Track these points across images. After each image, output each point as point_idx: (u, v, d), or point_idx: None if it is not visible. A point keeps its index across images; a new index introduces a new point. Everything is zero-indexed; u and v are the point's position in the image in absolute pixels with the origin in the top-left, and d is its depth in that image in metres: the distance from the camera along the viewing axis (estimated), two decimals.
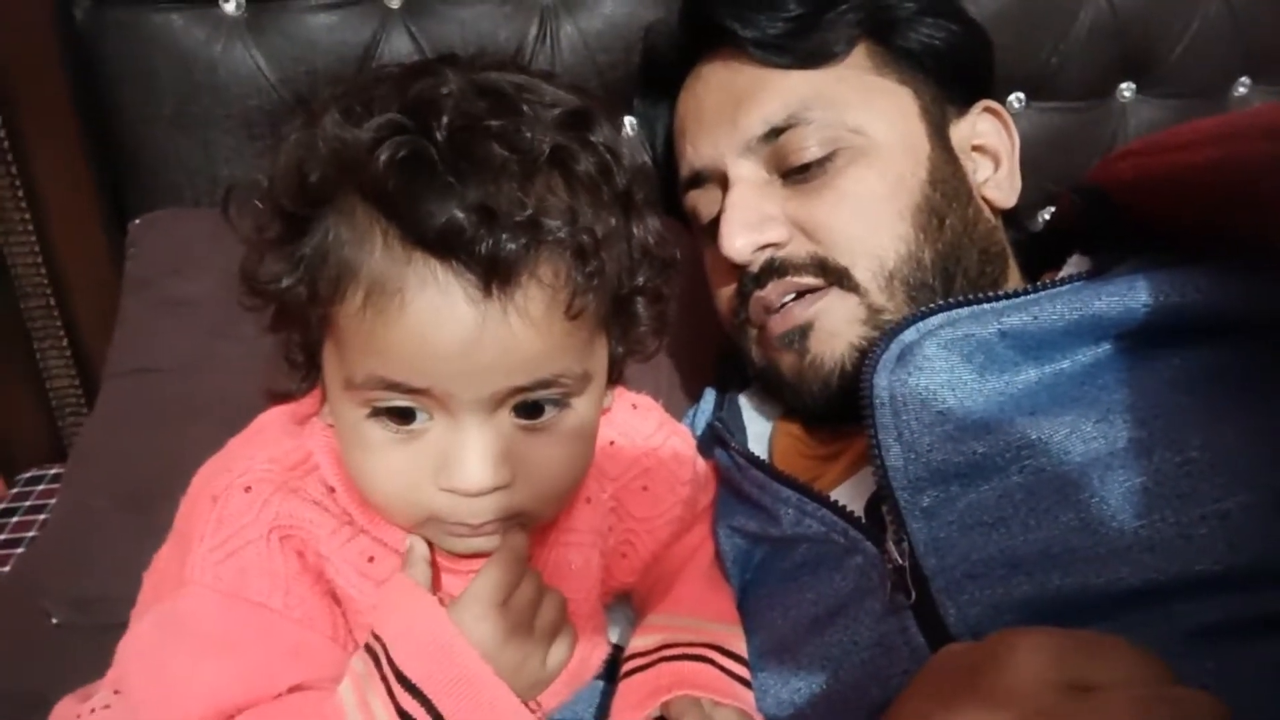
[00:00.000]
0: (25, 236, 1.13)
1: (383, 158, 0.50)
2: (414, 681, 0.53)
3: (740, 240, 0.77)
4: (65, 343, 1.18)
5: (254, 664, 0.55)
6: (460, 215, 0.50)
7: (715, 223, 0.80)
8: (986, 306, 0.69)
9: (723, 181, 0.81)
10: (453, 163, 0.51)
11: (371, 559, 0.59)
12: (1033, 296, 0.68)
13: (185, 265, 1.03)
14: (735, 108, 0.80)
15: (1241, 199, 0.60)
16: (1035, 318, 0.66)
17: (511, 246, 0.51)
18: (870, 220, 0.76)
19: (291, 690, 0.55)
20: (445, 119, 0.52)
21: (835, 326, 0.76)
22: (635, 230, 0.61)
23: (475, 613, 0.55)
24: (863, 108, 0.78)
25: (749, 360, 0.84)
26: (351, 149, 0.52)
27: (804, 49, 0.79)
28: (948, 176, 0.79)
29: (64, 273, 1.16)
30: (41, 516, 1.10)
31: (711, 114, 0.82)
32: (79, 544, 0.90)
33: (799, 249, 0.77)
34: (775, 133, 0.78)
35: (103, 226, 1.13)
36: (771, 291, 0.77)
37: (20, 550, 1.04)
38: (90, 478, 0.96)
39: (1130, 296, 0.63)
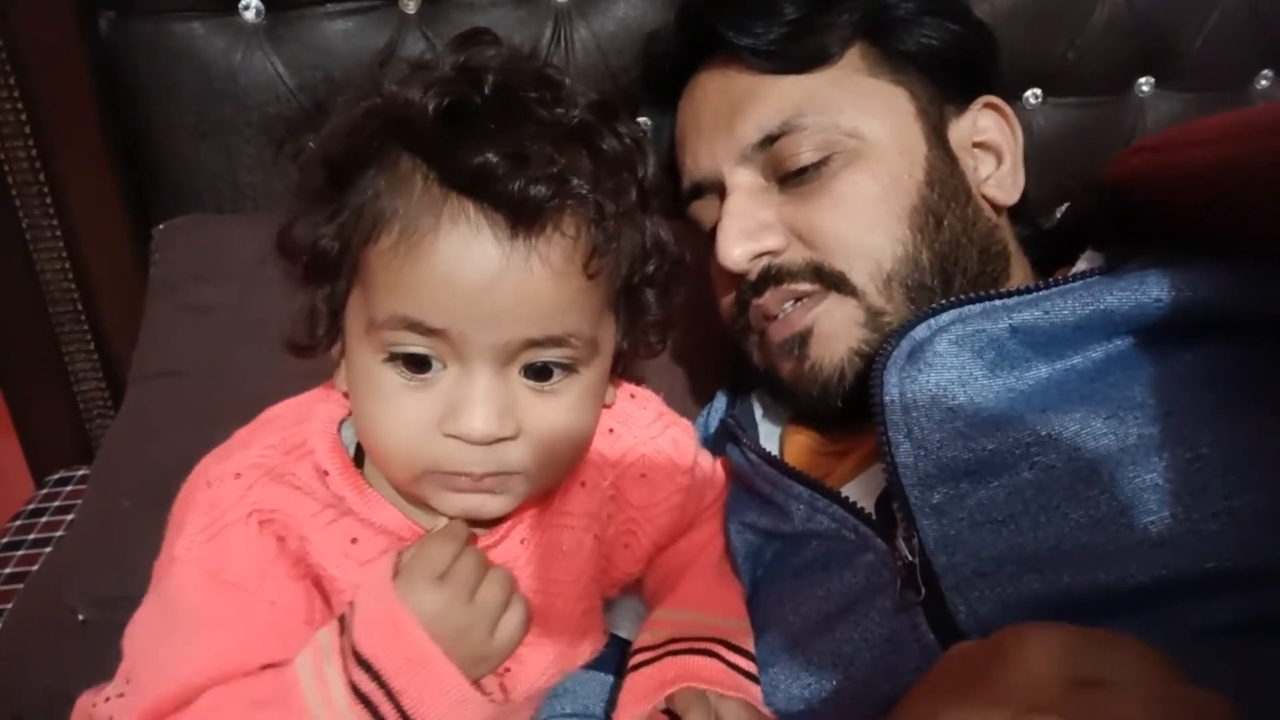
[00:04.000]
0: (53, 243, 1.14)
1: (430, 105, 0.56)
2: (366, 657, 0.55)
3: (737, 250, 0.77)
4: (92, 347, 1.20)
5: (228, 642, 0.57)
6: (494, 159, 0.54)
7: (715, 231, 0.80)
8: (998, 303, 0.68)
9: (722, 191, 0.81)
10: (493, 115, 0.57)
11: (354, 540, 0.61)
12: (1044, 293, 0.68)
13: (207, 270, 1.05)
14: (731, 116, 0.79)
15: (1251, 195, 0.60)
16: (1046, 314, 0.65)
17: (540, 190, 0.55)
18: (865, 223, 0.76)
19: (263, 669, 0.57)
20: (491, 78, 0.57)
21: (834, 329, 0.76)
22: (649, 222, 0.65)
23: (411, 585, 0.57)
24: (857, 110, 0.77)
25: (752, 365, 0.85)
26: (403, 103, 0.57)
27: (798, 54, 0.78)
28: (945, 176, 0.79)
29: (91, 278, 1.18)
30: (69, 517, 1.12)
31: (708, 124, 0.82)
32: (105, 544, 0.92)
33: (795, 255, 0.77)
34: (770, 140, 0.77)
35: (128, 233, 1.15)
36: (770, 299, 0.77)
37: (48, 549, 1.06)
38: (116, 479, 0.98)
39: (1142, 292, 0.63)
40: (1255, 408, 0.59)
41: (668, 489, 0.74)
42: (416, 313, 0.56)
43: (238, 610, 0.58)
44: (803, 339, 0.77)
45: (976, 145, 0.83)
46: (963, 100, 0.83)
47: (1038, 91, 1.24)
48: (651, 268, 0.65)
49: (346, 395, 0.66)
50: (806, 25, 0.78)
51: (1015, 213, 0.85)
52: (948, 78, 0.82)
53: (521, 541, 0.67)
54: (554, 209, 0.56)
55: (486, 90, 0.57)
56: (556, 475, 0.66)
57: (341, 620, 0.57)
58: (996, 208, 0.82)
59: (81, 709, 0.67)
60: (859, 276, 0.75)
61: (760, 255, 0.77)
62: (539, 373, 0.60)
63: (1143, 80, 1.27)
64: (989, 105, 0.84)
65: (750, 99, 0.79)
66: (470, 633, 0.57)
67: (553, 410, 0.61)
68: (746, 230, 0.77)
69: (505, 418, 0.58)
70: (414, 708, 0.54)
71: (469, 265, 0.55)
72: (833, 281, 0.75)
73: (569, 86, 0.62)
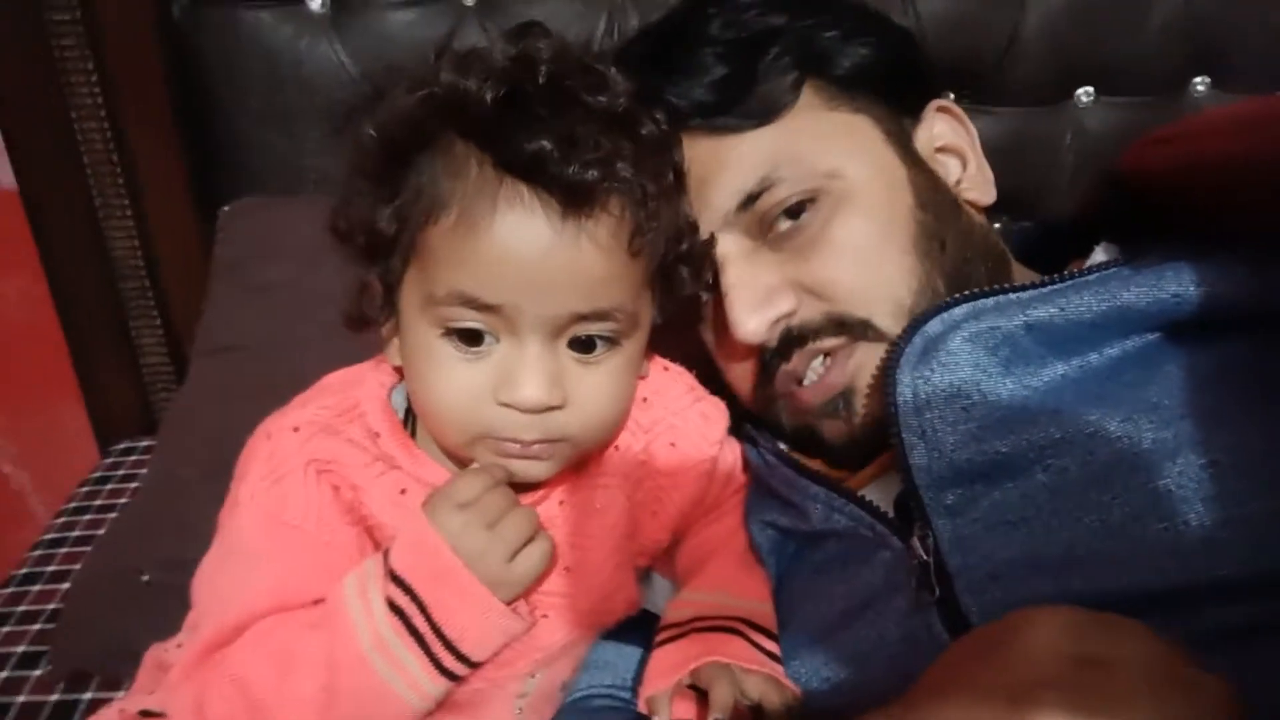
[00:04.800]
0: (124, 221, 1.19)
1: (488, 94, 0.60)
2: (399, 573, 0.60)
3: (752, 322, 0.72)
4: (158, 322, 1.25)
5: (285, 576, 0.63)
6: (548, 145, 0.58)
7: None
8: (1012, 297, 0.67)
9: None
10: (545, 103, 0.61)
11: (404, 491, 0.66)
12: (1059, 287, 0.66)
13: (270, 250, 1.09)
14: (702, 186, 0.73)
15: (1268, 187, 0.59)
16: (1062, 310, 0.64)
17: (590, 174, 0.59)
18: (874, 264, 0.72)
19: (315, 603, 0.62)
20: (543, 69, 0.61)
21: (875, 381, 0.72)
22: (683, 203, 0.69)
23: (436, 508, 0.62)
24: (830, 150, 0.73)
25: (780, 429, 0.79)
26: (461, 91, 0.60)
27: (749, 108, 0.73)
28: (932, 195, 0.75)
29: (158, 256, 1.22)
30: (133, 485, 1.17)
31: None
32: (169, 510, 0.96)
33: (812, 312, 0.72)
34: (750, 199, 0.72)
35: (194, 212, 1.19)
36: (798, 363, 0.73)
37: (113, 515, 1.10)
38: (179, 449, 1.02)
39: (1159, 287, 0.62)
40: (1272, 411, 0.58)
41: (695, 459, 0.76)
42: (474, 289, 0.60)
43: (295, 548, 0.63)
44: (846, 398, 0.73)
45: (938, 151, 0.80)
46: (914, 111, 0.80)
47: (1090, 90, 1.22)
48: (685, 246, 0.69)
49: (398, 369, 0.69)
50: (746, 76, 0.73)
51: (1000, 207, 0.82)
52: (893, 91, 0.78)
53: (560, 503, 0.71)
54: (603, 191, 0.60)
55: (540, 79, 0.61)
56: (598, 442, 0.70)
57: (386, 552, 0.62)
58: (978, 210, 0.81)
59: (151, 659, 0.71)
60: (883, 320, 0.71)
61: (777, 321, 0.72)
62: (584, 345, 0.64)
63: (1198, 80, 1.24)
64: (940, 109, 0.81)
65: (718, 167, 0.73)
66: (486, 556, 0.61)
67: (596, 380, 0.65)
68: (755, 300, 0.72)
69: (554, 387, 0.62)
70: (443, 619, 0.59)
71: (524, 244, 0.59)
72: (858, 331, 0.72)
73: (612, 75, 0.65)
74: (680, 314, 0.73)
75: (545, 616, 0.68)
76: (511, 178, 0.59)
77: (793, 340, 0.73)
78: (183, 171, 1.17)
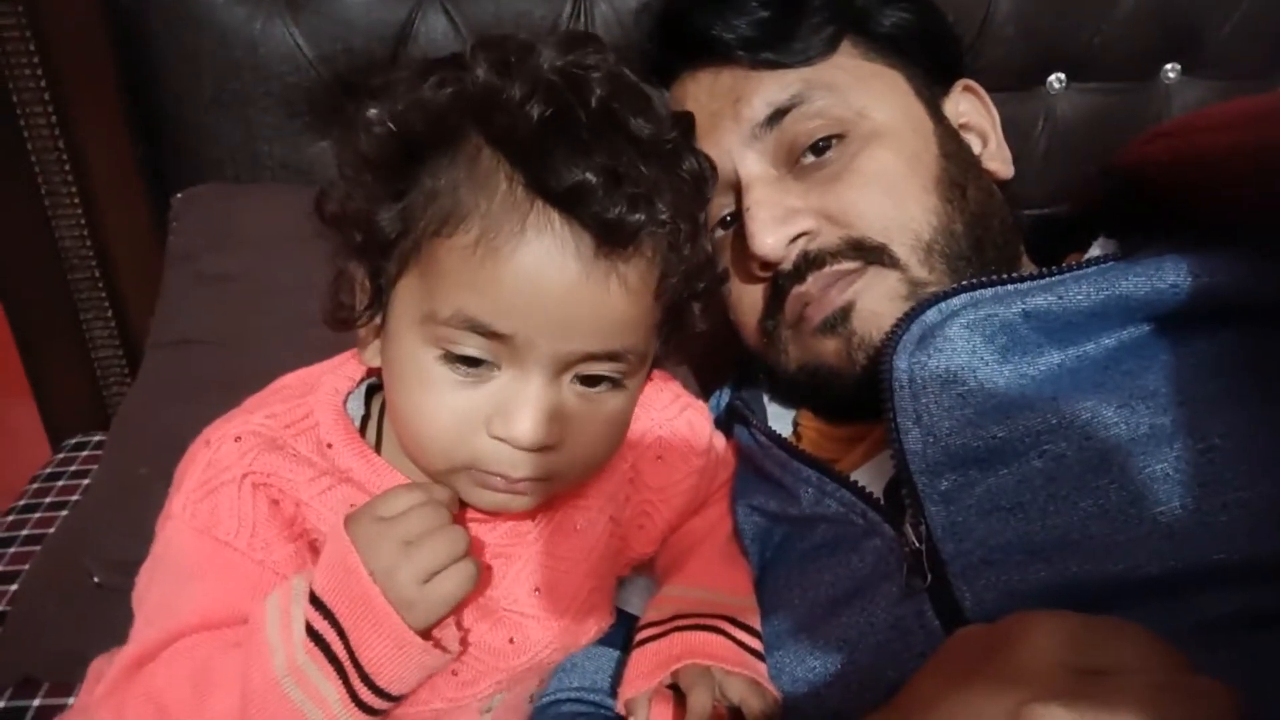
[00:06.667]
0: (72, 210, 1.16)
1: (534, 111, 0.55)
2: (319, 595, 0.55)
3: (771, 237, 0.73)
4: (110, 314, 1.22)
5: (213, 594, 0.59)
6: (592, 179, 0.54)
7: (724, 225, 0.79)
8: (1010, 287, 0.67)
9: (730, 185, 0.77)
10: (594, 129, 0.56)
11: (354, 506, 0.60)
12: (1058, 277, 0.67)
13: (225, 240, 1.05)
14: (733, 104, 0.76)
15: (1266, 182, 0.59)
16: (1060, 299, 0.64)
17: (633, 217, 0.56)
18: (898, 196, 0.74)
19: (245, 621, 0.58)
20: (597, 90, 0.57)
21: (877, 305, 0.72)
22: (704, 240, 0.65)
23: (357, 520, 0.57)
24: (861, 92, 0.76)
25: (782, 368, 0.79)
26: (500, 97, 0.56)
27: (790, 48, 0.76)
28: (956, 150, 0.78)
29: (109, 247, 1.19)
30: (85, 481, 1.14)
31: (706, 119, 0.77)
32: (121, 508, 0.93)
33: (831, 236, 0.73)
34: (780, 113, 0.75)
35: (146, 201, 1.16)
36: (813, 285, 0.74)
37: (64, 513, 1.08)
38: (132, 445, 0.99)
39: (1158, 277, 0.62)
40: (1268, 398, 0.58)
41: (683, 470, 0.74)
42: (486, 316, 0.56)
43: (224, 565, 0.60)
44: (844, 314, 0.73)
45: (961, 127, 0.83)
46: (943, 83, 0.83)
47: (1061, 76, 1.22)
48: (702, 285, 0.66)
49: (372, 371, 0.66)
50: (791, 22, 0.77)
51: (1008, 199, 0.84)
52: (926, 60, 0.82)
53: (534, 519, 0.67)
54: (639, 234, 0.57)
55: (592, 103, 0.57)
56: (586, 478, 0.67)
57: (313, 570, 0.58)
58: (997, 183, 0.83)
59: (94, 673, 0.68)
60: (900, 249, 0.73)
61: (795, 239, 0.74)
62: (586, 381, 0.60)
63: (1169, 66, 1.24)
64: (965, 88, 0.85)
65: (752, 86, 0.76)
66: (396, 573, 0.55)
67: (594, 420, 0.61)
68: (777, 217, 0.73)
69: (552, 425, 0.58)
70: (360, 647, 0.55)
71: (549, 277, 0.55)
72: (875, 254, 0.73)
73: (659, 100, 0.62)
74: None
75: (511, 641, 0.65)
76: (543, 202, 0.55)
77: (809, 262, 0.74)
78: (133, 159, 1.14)
